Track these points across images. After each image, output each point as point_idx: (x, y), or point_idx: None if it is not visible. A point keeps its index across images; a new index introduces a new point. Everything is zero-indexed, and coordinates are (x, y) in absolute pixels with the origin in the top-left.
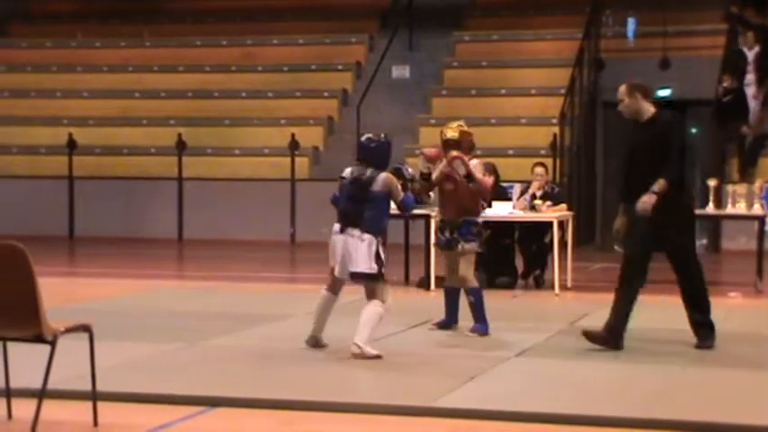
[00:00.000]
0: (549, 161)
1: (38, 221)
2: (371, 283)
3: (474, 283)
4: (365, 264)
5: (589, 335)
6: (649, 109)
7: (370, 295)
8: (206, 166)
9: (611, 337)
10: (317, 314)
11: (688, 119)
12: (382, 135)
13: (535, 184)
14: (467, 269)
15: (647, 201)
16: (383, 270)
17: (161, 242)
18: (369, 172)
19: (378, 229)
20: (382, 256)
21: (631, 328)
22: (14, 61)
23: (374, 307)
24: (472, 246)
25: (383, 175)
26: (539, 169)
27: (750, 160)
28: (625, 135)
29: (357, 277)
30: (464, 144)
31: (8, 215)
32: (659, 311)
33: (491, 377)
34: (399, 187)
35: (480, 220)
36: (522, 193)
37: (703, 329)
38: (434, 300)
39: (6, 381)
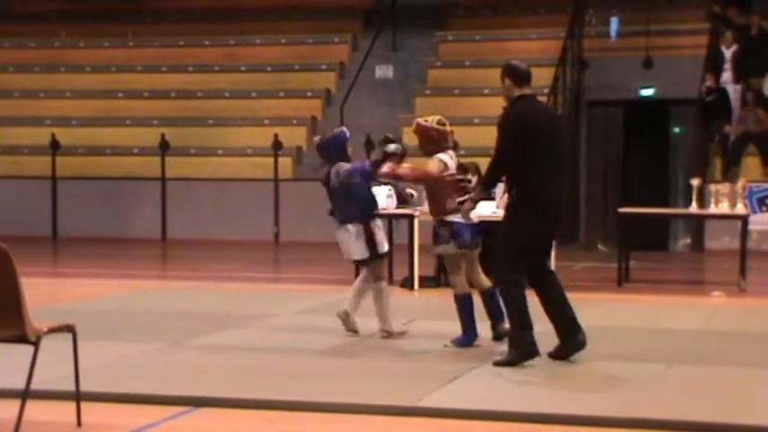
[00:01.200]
0: None
1: (21, 222)
2: (367, 266)
3: (458, 289)
4: (357, 252)
5: (554, 355)
6: (511, 97)
7: (375, 277)
8: (189, 167)
9: (570, 348)
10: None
11: (672, 118)
12: (335, 130)
13: None
14: (451, 274)
15: (465, 209)
16: (379, 249)
17: (144, 242)
18: (326, 168)
19: (355, 216)
20: (376, 237)
21: (617, 326)
22: None
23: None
24: (443, 248)
25: (334, 168)
26: None
27: (733, 160)
28: (607, 134)
29: (357, 263)
30: (420, 139)
31: None
32: (644, 310)
33: (475, 377)
34: (348, 166)
35: (454, 218)
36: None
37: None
38: (418, 300)
39: None
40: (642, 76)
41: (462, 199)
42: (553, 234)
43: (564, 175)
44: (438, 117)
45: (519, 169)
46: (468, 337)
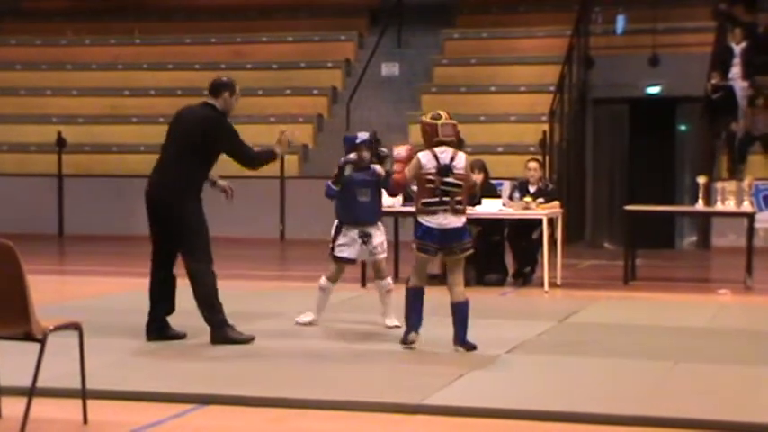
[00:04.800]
0: (538, 158)
1: (27, 219)
2: None
3: (410, 282)
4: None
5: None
6: None
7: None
8: None
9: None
10: None
11: (678, 116)
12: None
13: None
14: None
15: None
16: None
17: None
18: None
19: None
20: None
21: (623, 324)
22: (4, 59)
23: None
24: (414, 244)
25: None
26: (532, 164)
27: (739, 157)
28: (613, 132)
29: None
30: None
31: None
32: (650, 308)
33: (481, 374)
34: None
35: (422, 219)
36: (514, 189)
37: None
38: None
39: None
40: (648, 74)
41: (428, 200)
42: (155, 218)
43: (174, 168)
44: (435, 111)
45: None
46: (405, 333)
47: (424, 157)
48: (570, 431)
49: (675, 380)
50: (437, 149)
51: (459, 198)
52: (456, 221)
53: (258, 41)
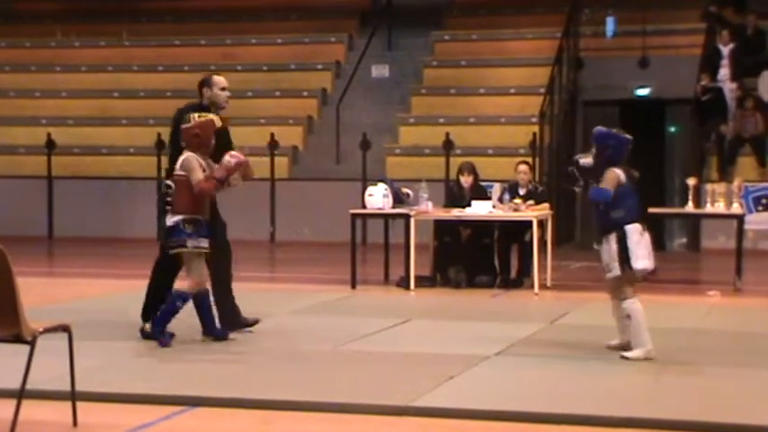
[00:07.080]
0: (528, 160)
1: (17, 221)
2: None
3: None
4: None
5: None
6: None
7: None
8: None
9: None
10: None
11: (668, 117)
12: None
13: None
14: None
15: None
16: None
17: (140, 242)
18: None
19: None
20: None
21: (613, 326)
22: None
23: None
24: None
25: None
26: (522, 167)
27: (729, 159)
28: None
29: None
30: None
31: None
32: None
33: (470, 376)
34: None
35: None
36: (504, 191)
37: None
38: (414, 299)
39: None
40: (638, 76)
41: None
42: None
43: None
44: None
45: None
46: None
47: None
48: None
49: (665, 381)
50: None
51: (170, 199)
52: (169, 221)
53: (248, 43)
